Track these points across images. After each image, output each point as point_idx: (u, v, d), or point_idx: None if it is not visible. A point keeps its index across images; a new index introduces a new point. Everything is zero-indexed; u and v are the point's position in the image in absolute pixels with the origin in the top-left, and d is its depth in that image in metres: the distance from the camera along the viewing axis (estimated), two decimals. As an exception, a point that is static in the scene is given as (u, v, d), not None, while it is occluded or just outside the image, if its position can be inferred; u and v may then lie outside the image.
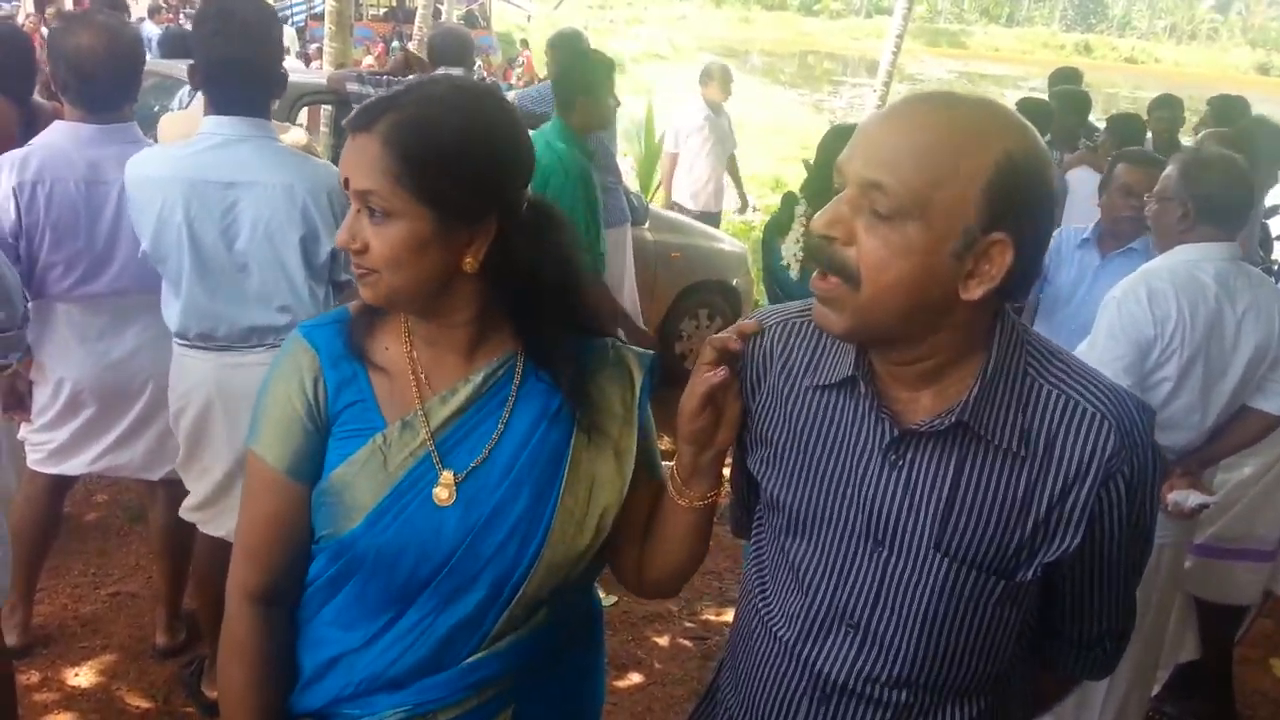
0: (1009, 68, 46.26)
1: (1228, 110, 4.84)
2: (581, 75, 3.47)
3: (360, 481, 1.16)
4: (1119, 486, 1.05)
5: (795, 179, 12.39)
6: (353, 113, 1.14)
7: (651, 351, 1.35)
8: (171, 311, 2.31)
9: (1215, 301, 2.32)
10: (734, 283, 5.55)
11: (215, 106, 2.26)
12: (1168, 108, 5.30)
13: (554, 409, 1.21)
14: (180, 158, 2.23)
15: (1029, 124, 1.01)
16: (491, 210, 1.14)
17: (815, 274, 1.03)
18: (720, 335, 1.14)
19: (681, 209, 6.31)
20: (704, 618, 3.39)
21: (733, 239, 5.94)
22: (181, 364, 2.35)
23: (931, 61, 45.56)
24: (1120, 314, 2.34)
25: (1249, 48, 64.26)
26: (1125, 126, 4.76)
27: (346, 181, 1.11)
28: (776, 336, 1.21)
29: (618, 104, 3.51)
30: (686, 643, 3.25)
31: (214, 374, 2.30)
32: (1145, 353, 2.32)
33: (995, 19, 69.07)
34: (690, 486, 1.21)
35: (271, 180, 2.23)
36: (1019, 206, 0.97)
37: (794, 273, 2.80)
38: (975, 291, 0.99)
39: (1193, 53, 61.82)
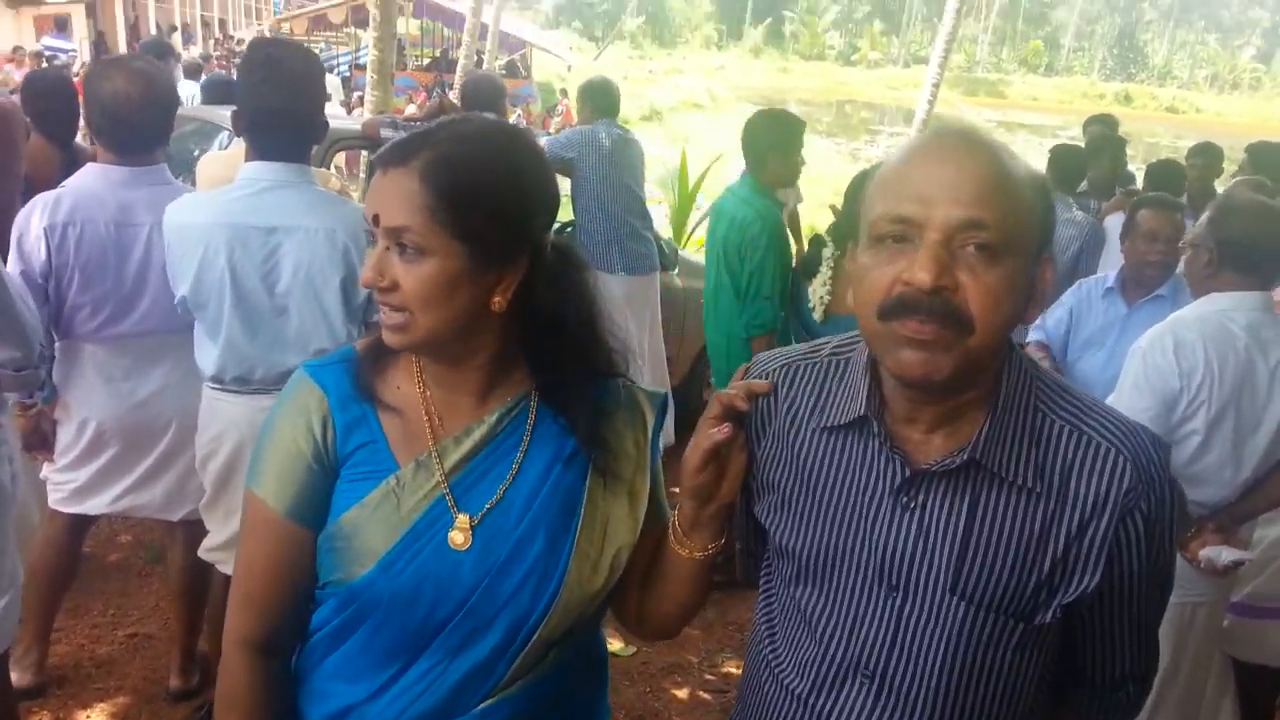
0: (1047, 117, 46.19)
1: (1267, 157, 4.76)
2: (774, 133, 3.59)
3: (373, 525, 1.14)
4: (1137, 523, 1.03)
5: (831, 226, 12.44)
6: (382, 149, 1.13)
7: (662, 390, 1.35)
8: (208, 356, 2.33)
9: (1246, 353, 2.25)
10: (763, 329, 5.50)
11: (258, 153, 2.30)
12: (1204, 155, 5.23)
13: (568, 452, 1.21)
14: (223, 203, 2.27)
15: None
16: (522, 249, 1.15)
17: (905, 325, 0.97)
18: (728, 392, 1.13)
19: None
20: (725, 670, 3.31)
21: (762, 285, 5.90)
22: (214, 408, 2.37)
23: (969, 110, 45.61)
24: (1146, 366, 2.29)
25: (1293, 97, 63.63)
26: (1165, 174, 4.70)
27: (376, 218, 1.10)
28: (781, 380, 1.19)
29: (803, 163, 3.64)
30: (706, 695, 3.18)
31: (248, 417, 2.30)
32: (1171, 405, 2.27)
33: (1034, 69, 69.09)
34: (691, 538, 1.20)
35: (313, 225, 2.26)
36: (1052, 227, 1.03)
37: (818, 315, 2.78)
38: (1032, 314, 1.02)
39: (1235, 102, 61.34)
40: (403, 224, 1.08)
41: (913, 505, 1.06)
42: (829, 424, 1.13)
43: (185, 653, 2.87)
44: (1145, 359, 2.29)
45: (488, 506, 1.16)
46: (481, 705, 1.17)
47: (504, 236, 1.12)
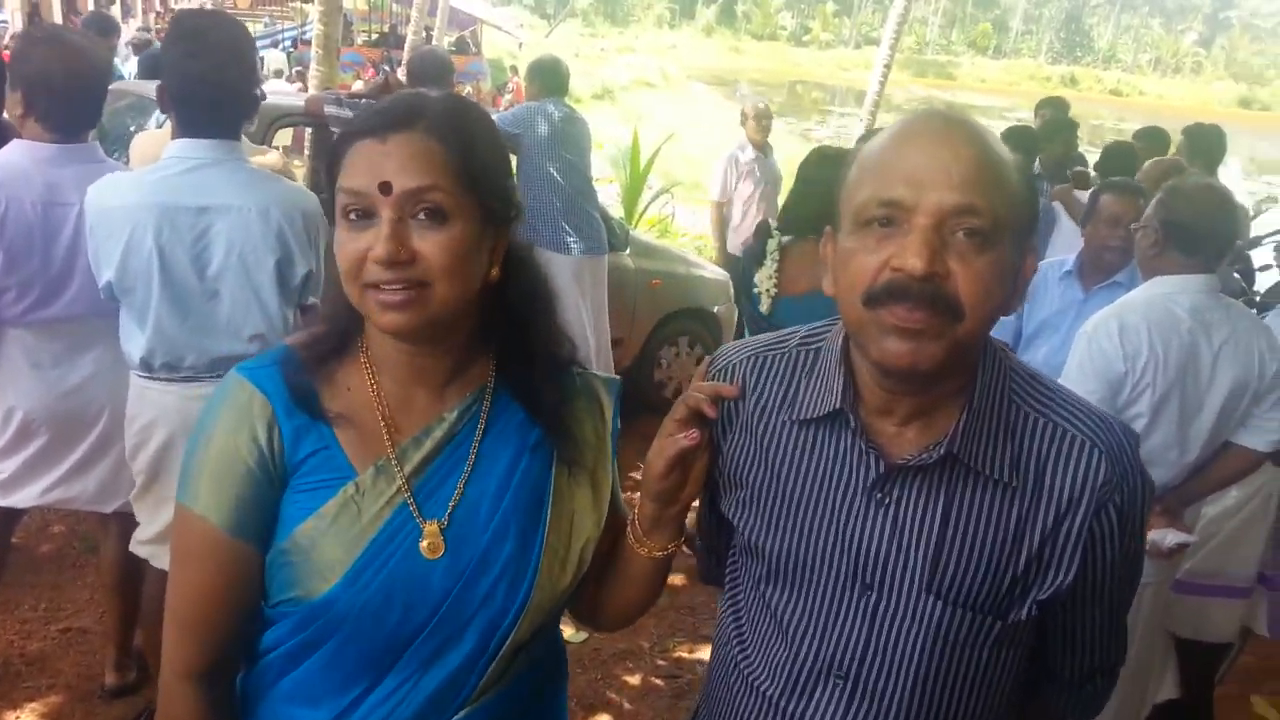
0: (995, 98, 46.80)
1: (1201, 139, 4.82)
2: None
3: (333, 536, 1.06)
4: (1111, 516, 1.02)
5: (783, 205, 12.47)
6: (367, 115, 1.05)
7: (616, 377, 1.31)
8: (134, 343, 2.23)
9: (1189, 335, 2.27)
10: (715, 310, 5.50)
11: (185, 129, 2.19)
12: (1149, 139, 5.30)
13: (531, 443, 1.15)
14: (149, 183, 2.16)
15: None
16: (509, 215, 1.11)
17: (894, 312, 0.94)
18: (696, 395, 1.10)
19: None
20: (676, 655, 3.31)
21: (714, 266, 5.90)
22: (143, 396, 2.27)
23: (919, 91, 46.01)
24: (1091, 349, 2.30)
25: (1231, 81, 65.13)
26: (1118, 156, 4.74)
27: (385, 185, 1.00)
28: (748, 371, 1.15)
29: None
30: (658, 681, 3.16)
31: (178, 405, 2.21)
32: (1117, 388, 2.28)
33: (982, 50, 69.84)
34: (651, 538, 1.18)
35: (246, 204, 2.17)
36: (1036, 214, 1.01)
37: (764, 306, 2.74)
38: (1015, 303, 1.00)
39: (1176, 86, 62.65)
40: (429, 183, 1.01)
41: (887, 501, 1.03)
42: (800, 417, 1.09)
43: (121, 648, 2.78)
44: (1091, 342, 2.31)
45: (451, 507, 1.10)
46: (454, 718, 1.11)
47: (503, 198, 1.09)
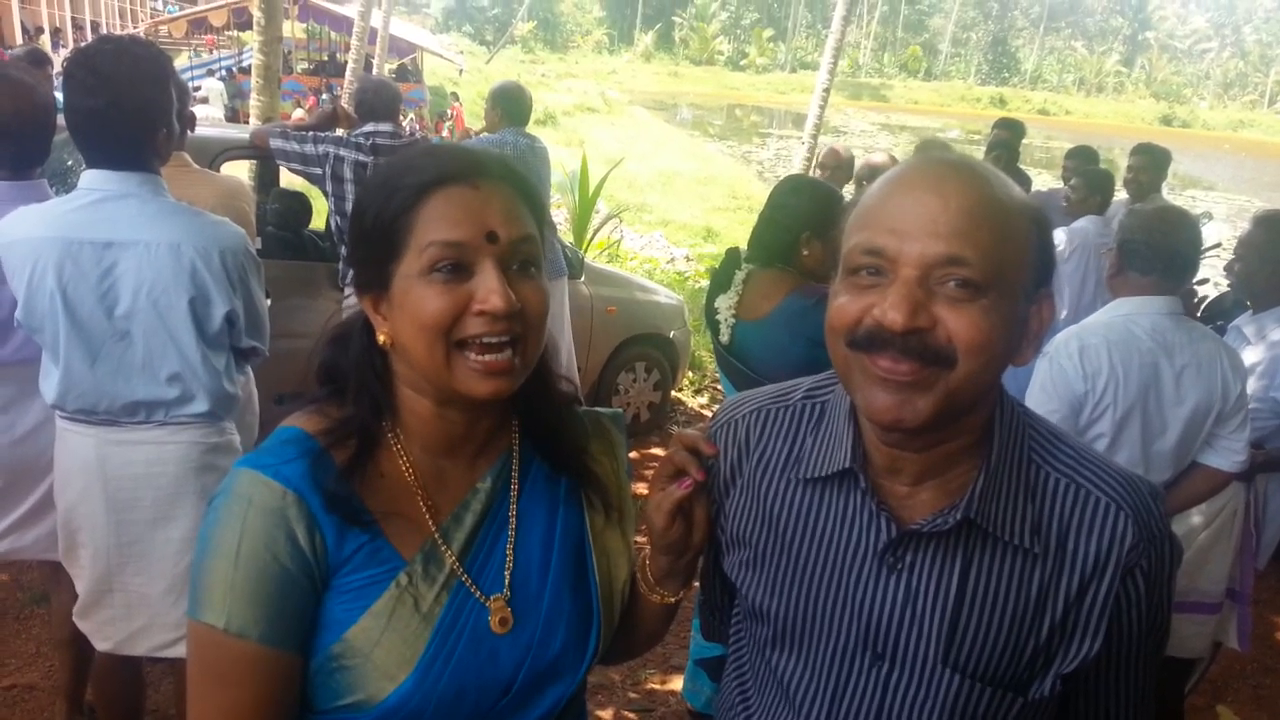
0: (928, 119, 47.83)
1: (1152, 156, 4.95)
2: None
3: (392, 633, 0.99)
4: (1138, 581, 0.96)
5: (725, 228, 12.55)
6: (444, 163, 0.99)
7: (619, 410, 1.29)
8: (49, 383, 2.11)
9: (1150, 356, 2.30)
10: (671, 335, 5.49)
11: (91, 161, 2.07)
12: (1081, 158, 5.43)
13: (563, 494, 1.13)
14: (55, 215, 2.04)
15: None
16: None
17: (879, 362, 0.90)
18: (682, 454, 1.06)
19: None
20: (648, 688, 3.26)
21: (669, 291, 5.90)
22: (63, 440, 2.16)
23: (855, 114, 46.85)
24: (1052, 370, 2.32)
25: (1153, 100, 67.39)
26: (1108, 183, 4.75)
27: (493, 234, 0.96)
28: (751, 426, 1.11)
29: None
30: (630, 715, 3.11)
31: (95, 452, 2.10)
32: (1077, 409, 2.30)
33: (914, 73, 71.39)
34: (663, 585, 1.16)
35: (155, 239, 2.04)
36: (1052, 259, 0.95)
37: (723, 335, 2.72)
38: (1028, 354, 0.95)
39: (1101, 105, 64.60)
40: (529, 232, 0.99)
41: (900, 567, 0.98)
42: (806, 476, 1.04)
43: (72, 703, 2.65)
44: (1052, 363, 2.33)
45: (508, 577, 1.06)
46: None
47: (547, 248, 1.07)
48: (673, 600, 1.16)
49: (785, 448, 1.08)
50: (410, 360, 1.00)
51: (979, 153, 5.49)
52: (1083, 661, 0.97)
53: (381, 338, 1.02)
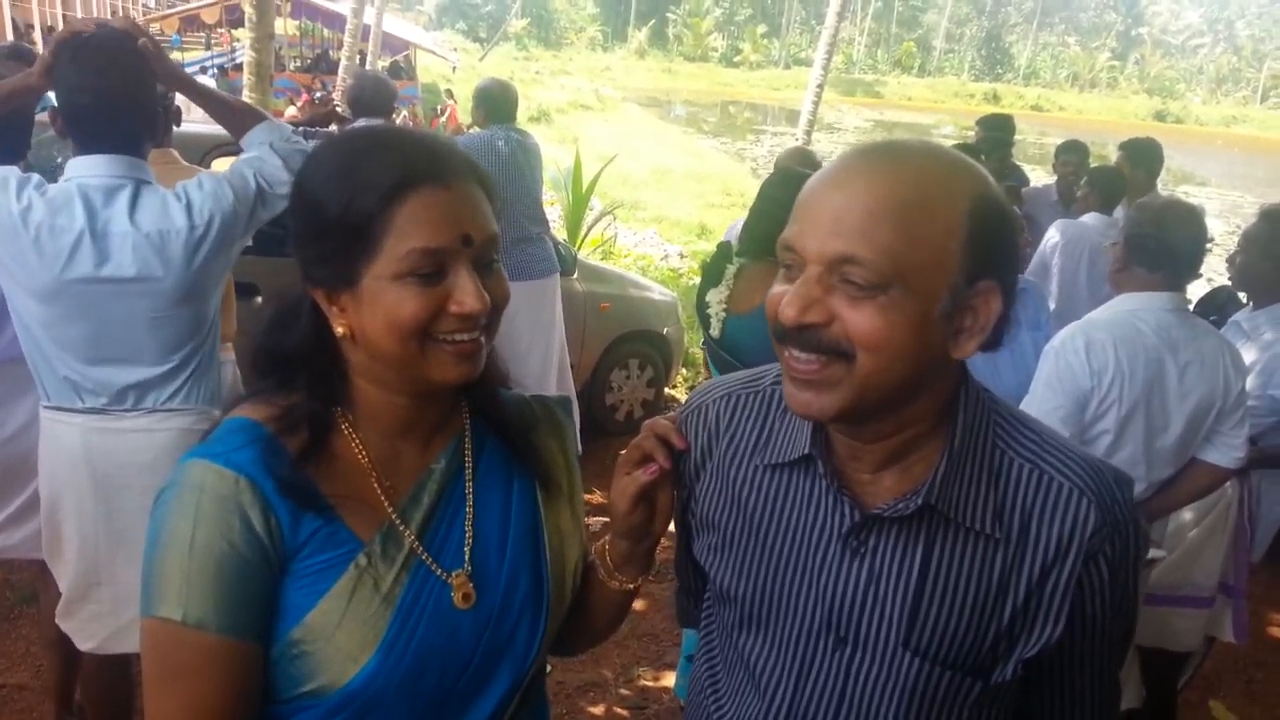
0: (922, 115, 47.91)
1: (1143, 152, 4.93)
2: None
3: (354, 614, 0.99)
4: (1101, 567, 0.96)
5: (719, 224, 12.59)
6: (423, 159, 0.98)
7: (567, 395, 1.30)
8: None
9: (1155, 352, 2.29)
10: (664, 332, 5.48)
11: (81, 145, 2.04)
12: (1074, 152, 5.42)
13: (516, 472, 1.14)
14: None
15: (976, 162, 0.94)
16: None
17: (788, 357, 0.93)
18: (650, 440, 1.07)
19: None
20: (641, 685, 3.24)
21: (662, 288, 5.89)
22: (49, 431, 2.13)
23: (848, 110, 46.89)
24: (1058, 365, 2.31)
25: (1146, 95, 67.53)
26: (1112, 182, 4.69)
27: (468, 238, 0.97)
28: (721, 411, 1.12)
29: None
30: (623, 712, 3.10)
31: (82, 440, 2.08)
32: (1083, 404, 2.29)
33: (908, 69, 71.45)
34: (622, 571, 1.17)
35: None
36: (998, 250, 0.91)
37: (714, 329, 2.71)
38: (967, 348, 0.92)
39: (1094, 100, 64.76)
40: (495, 230, 1.02)
41: (863, 550, 0.99)
42: (773, 461, 1.05)
43: (62, 703, 2.64)
44: (1058, 358, 2.32)
45: (468, 553, 1.07)
46: None
47: None
48: (630, 587, 1.17)
49: (754, 433, 1.08)
50: (376, 354, 1.00)
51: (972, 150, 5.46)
52: (1044, 647, 0.98)
53: (340, 330, 1.00)
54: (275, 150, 2.20)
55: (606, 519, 1.17)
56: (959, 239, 0.88)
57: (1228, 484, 2.56)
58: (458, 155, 1.02)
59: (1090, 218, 4.53)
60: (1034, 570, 0.96)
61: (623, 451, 1.11)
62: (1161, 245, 2.31)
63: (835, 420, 0.94)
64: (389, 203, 0.95)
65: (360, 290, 0.97)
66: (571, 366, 4.86)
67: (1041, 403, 2.27)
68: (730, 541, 1.09)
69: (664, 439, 1.07)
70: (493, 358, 1.12)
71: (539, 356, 4.44)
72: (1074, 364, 2.29)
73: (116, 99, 2.02)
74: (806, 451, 1.01)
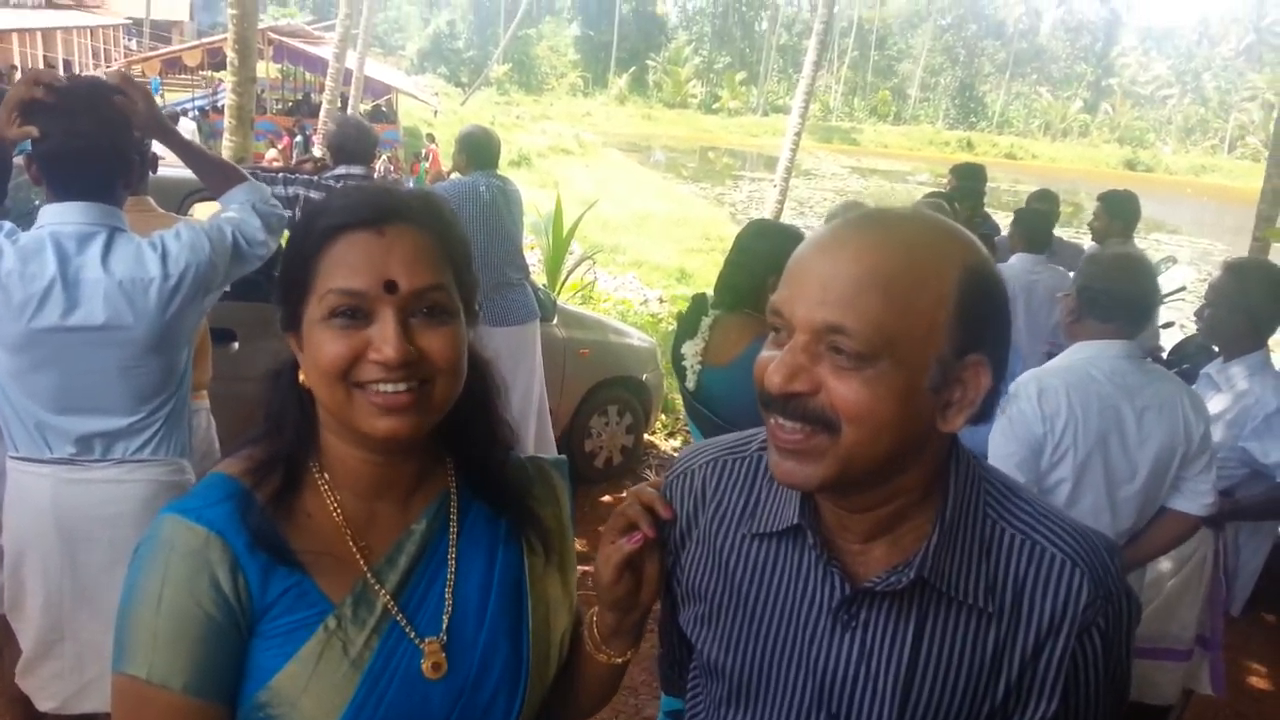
0: (897, 163, 48.59)
1: (1120, 204, 5.02)
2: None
3: (320, 678, 0.97)
4: (1094, 640, 0.94)
5: (699, 269, 12.62)
6: (353, 206, 0.98)
7: (563, 457, 1.28)
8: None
9: (1110, 399, 2.30)
10: (644, 378, 5.48)
11: (55, 192, 2.02)
12: (1045, 201, 5.50)
13: (502, 536, 1.11)
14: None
15: (969, 232, 0.94)
16: (476, 309, 1.06)
17: (773, 425, 0.92)
18: (635, 509, 1.05)
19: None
20: (620, 738, 3.20)
21: (641, 333, 5.90)
22: (16, 482, 2.09)
23: (826, 157, 47.50)
24: (1011, 412, 2.33)
25: (1117, 144, 68.80)
26: (1035, 221, 4.83)
27: (392, 284, 0.94)
28: (708, 477, 1.10)
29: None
30: (602, 766, 3.05)
31: (51, 491, 2.04)
32: (1037, 451, 2.30)
33: (883, 117, 72.55)
34: (610, 645, 1.13)
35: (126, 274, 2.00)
36: (988, 322, 0.90)
37: (690, 382, 2.71)
38: (956, 421, 0.91)
39: (1066, 149, 65.87)
40: (436, 281, 0.97)
41: (854, 624, 0.97)
42: (760, 530, 1.03)
43: (24, 762, 2.56)
44: (1012, 405, 2.34)
45: (446, 620, 1.04)
46: None
47: (475, 293, 1.05)
48: (619, 661, 1.13)
49: (741, 500, 1.07)
50: (319, 400, 1.00)
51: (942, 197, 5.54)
52: None
53: (302, 377, 1.01)
54: (256, 210, 2.20)
55: (589, 567, 1.15)
56: (948, 310, 0.87)
57: (1203, 536, 2.57)
58: (413, 206, 1.00)
59: (1017, 259, 4.63)
60: (1028, 645, 0.94)
61: (602, 499, 1.09)
62: (1112, 297, 2.34)
63: (819, 490, 0.93)
64: (321, 244, 0.97)
65: (302, 333, 0.99)
66: (551, 412, 4.84)
67: (998, 449, 2.29)
68: (717, 613, 1.06)
69: (649, 507, 1.05)
70: (493, 419, 1.11)
71: (518, 403, 4.42)
72: (1026, 410, 2.30)
73: (92, 148, 2.01)
74: (795, 522, 0.99)
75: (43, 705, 2.17)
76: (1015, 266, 4.57)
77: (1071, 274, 4.58)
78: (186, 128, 16.84)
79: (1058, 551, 0.95)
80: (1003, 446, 2.29)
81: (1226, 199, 43.61)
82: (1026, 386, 2.34)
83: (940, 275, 0.87)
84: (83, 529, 2.06)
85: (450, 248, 1.01)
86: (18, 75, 23.53)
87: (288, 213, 3.91)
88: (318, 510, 1.03)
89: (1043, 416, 2.29)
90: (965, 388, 0.90)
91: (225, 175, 2.29)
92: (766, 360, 0.91)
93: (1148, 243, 20.96)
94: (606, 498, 5.12)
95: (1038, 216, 4.89)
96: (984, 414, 0.92)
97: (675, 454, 5.95)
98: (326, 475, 1.04)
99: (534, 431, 4.55)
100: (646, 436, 5.82)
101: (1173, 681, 2.71)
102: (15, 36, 26.90)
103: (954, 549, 0.94)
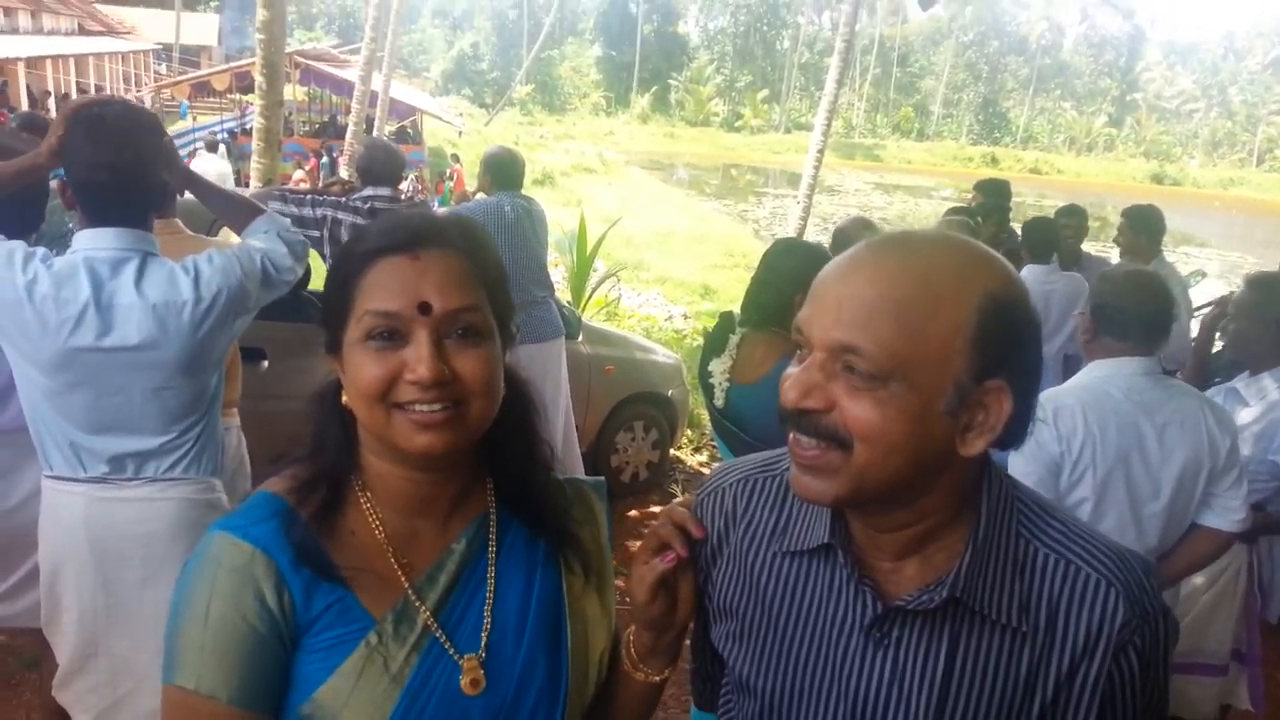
0: (921, 179, 48.45)
1: (1144, 219, 4.98)
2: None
3: (361, 693, 0.99)
4: (1131, 659, 0.94)
5: (722, 285, 12.62)
6: (391, 231, 1.01)
7: (601, 479, 1.29)
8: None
9: (1129, 416, 2.27)
10: (669, 394, 5.49)
11: (90, 218, 2.07)
12: (1073, 216, 5.46)
13: (541, 558, 1.13)
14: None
15: (1000, 256, 0.94)
16: (513, 330, 1.09)
17: (792, 440, 0.93)
18: (667, 528, 1.06)
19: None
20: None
21: (666, 350, 5.92)
22: (50, 501, 2.13)
23: (849, 173, 47.46)
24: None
25: (1144, 158, 68.31)
26: (1039, 231, 4.88)
27: (426, 305, 0.97)
28: (738, 495, 1.11)
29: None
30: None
31: (84, 510, 2.07)
32: (1055, 471, 2.28)
33: (906, 134, 72.43)
34: (648, 663, 1.14)
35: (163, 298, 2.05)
36: (1011, 349, 0.89)
37: (718, 400, 2.72)
38: (976, 446, 0.91)
39: (1091, 164, 65.48)
40: (470, 303, 1.00)
41: (886, 642, 0.97)
42: (791, 548, 1.04)
43: (61, 774, 2.60)
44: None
45: (485, 638, 1.06)
46: None
47: (511, 314, 1.08)
48: (657, 679, 1.14)
49: (772, 518, 1.07)
50: (360, 420, 1.03)
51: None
52: None
53: (345, 398, 1.04)
54: (281, 238, 2.25)
55: (620, 582, 1.16)
56: (966, 336, 0.87)
57: (1236, 550, 2.54)
58: (447, 230, 1.03)
59: (1027, 271, 4.60)
60: (1062, 665, 0.94)
61: (629, 514, 1.11)
62: (1126, 314, 2.32)
63: (835, 506, 0.94)
64: (360, 269, 1.00)
65: (343, 355, 1.02)
66: (577, 429, 4.86)
67: (1014, 471, 2.25)
68: (749, 630, 1.07)
69: (681, 526, 1.06)
70: (532, 439, 1.13)
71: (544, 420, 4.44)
72: (1042, 430, 2.28)
73: (128, 177, 2.05)
74: (826, 540, 1.00)
75: (80, 719, 2.19)
76: (1027, 279, 4.53)
77: (1088, 284, 4.59)
78: (211, 168, 16.96)
79: (1093, 571, 0.95)
80: (1020, 466, 2.27)
81: (1256, 212, 43.17)
82: (1042, 407, 2.31)
83: (958, 301, 0.88)
84: (115, 547, 2.09)
85: (484, 270, 1.04)
86: (51, 100, 24.01)
87: (315, 233, 4.00)
88: (360, 528, 1.05)
89: (1059, 436, 2.27)
90: (987, 412, 0.90)
91: (245, 212, 2.34)
92: (788, 377, 0.93)
93: (1176, 256, 20.73)
94: (633, 513, 5.13)
95: (1040, 225, 4.87)
96: (1009, 439, 0.92)
97: (701, 469, 5.96)
98: (369, 493, 1.07)
99: (560, 448, 4.58)
100: (672, 452, 5.83)
101: (1209, 697, 2.68)
102: (49, 63, 27.43)
103: (987, 568, 0.94)
